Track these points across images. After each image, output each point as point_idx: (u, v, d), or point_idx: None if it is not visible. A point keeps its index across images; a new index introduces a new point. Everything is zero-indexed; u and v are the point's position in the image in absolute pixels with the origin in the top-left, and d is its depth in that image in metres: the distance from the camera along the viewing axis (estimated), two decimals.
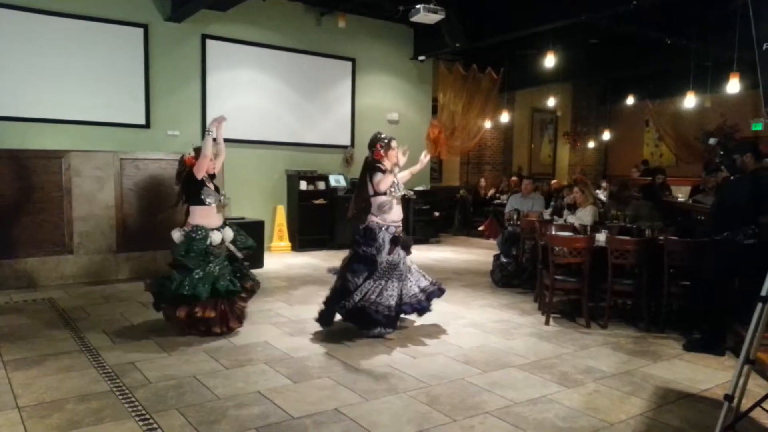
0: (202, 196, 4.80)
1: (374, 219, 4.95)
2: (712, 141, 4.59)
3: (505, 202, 10.36)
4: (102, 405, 3.45)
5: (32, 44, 7.67)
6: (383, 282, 4.86)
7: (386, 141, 4.99)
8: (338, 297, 4.89)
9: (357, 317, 4.88)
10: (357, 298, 4.81)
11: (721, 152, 4.51)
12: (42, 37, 7.72)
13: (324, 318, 5.01)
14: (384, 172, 4.90)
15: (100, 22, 8.08)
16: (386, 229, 4.94)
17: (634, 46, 10.96)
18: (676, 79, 11.90)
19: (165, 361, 4.24)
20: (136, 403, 3.48)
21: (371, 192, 4.94)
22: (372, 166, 4.96)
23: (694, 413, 3.55)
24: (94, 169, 6.98)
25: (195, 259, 4.68)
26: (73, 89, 7.98)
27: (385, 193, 4.91)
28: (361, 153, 10.38)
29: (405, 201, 5.15)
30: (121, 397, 3.58)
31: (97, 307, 5.82)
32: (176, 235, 4.84)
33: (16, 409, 3.38)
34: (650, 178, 10.25)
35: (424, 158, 4.86)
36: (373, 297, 4.80)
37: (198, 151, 4.87)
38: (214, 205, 4.85)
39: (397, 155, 5.03)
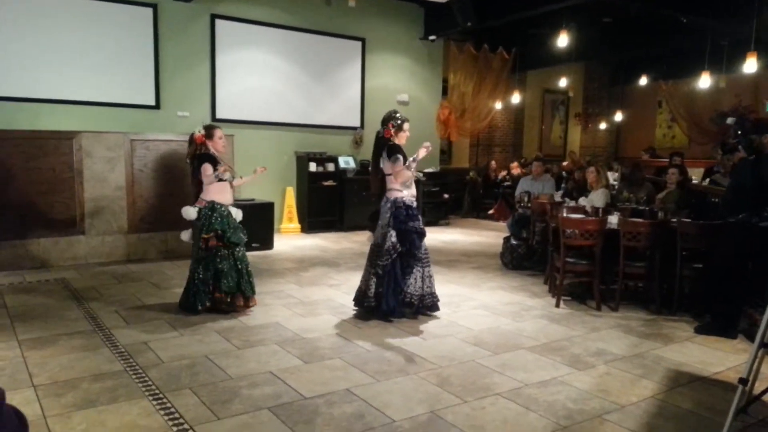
0: (218, 173, 4.87)
1: (402, 194, 4.87)
2: (729, 120, 4.48)
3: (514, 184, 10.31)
4: (116, 384, 3.49)
5: (42, 25, 7.64)
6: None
7: (399, 122, 4.94)
8: (396, 285, 4.85)
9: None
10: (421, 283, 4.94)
11: (738, 132, 4.40)
12: (52, 18, 7.69)
13: (385, 313, 4.86)
14: (405, 159, 4.85)
15: (109, 2, 8.03)
16: (414, 205, 4.94)
17: (648, 26, 10.76)
18: (690, 58, 11.67)
19: (177, 341, 4.28)
20: (150, 383, 3.52)
21: (388, 170, 4.88)
22: (391, 147, 4.87)
23: (706, 396, 3.54)
24: (105, 150, 6.99)
25: (238, 233, 4.92)
26: (83, 70, 7.97)
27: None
28: (371, 135, 10.31)
29: (415, 182, 5.10)
30: (134, 376, 3.62)
31: (109, 287, 5.87)
32: (191, 211, 4.87)
33: (32, 387, 3.42)
34: (668, 160, 10.09)
35: (424, 150, 4.83)
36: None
37: (207, 129, 5.00)
38: (228, 181, 4.94)
39: (407, 138, 4.99)
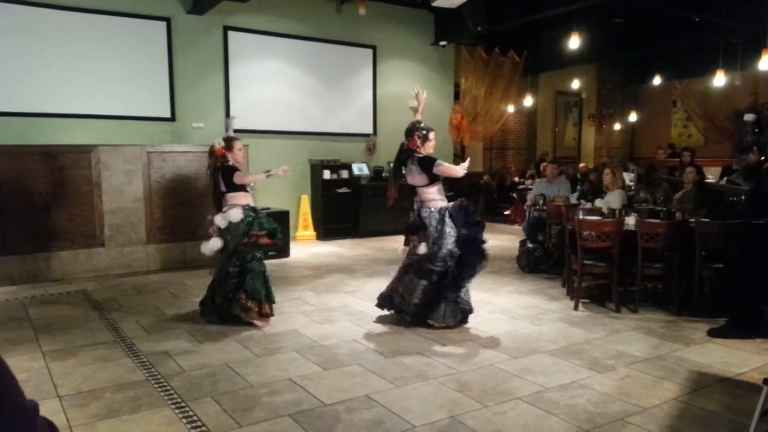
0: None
1: (445, 203, 4.83)
2: (748, 117, 4.42)
3: (529, 187, 10.27)
4: (138, 393, 3.53)
5: (58, 40, 7.78)
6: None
7: (425, 132, 4.90)
8: (446, 291, 4.79)
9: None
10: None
11: (756, 130, 4.34)
12: (68, 34, 7.84)
13: (433, 319, 4.80)
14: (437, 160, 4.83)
15: (124, 17, 8.17)
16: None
17: (660, 25, 10.70)
18: (704, 57, 11.59)
19: (198, 350, 4.32)
20: (172, 392, 3.56)
21: (420, 182, 4.82)
22: (424, 159, 4.82)
23: (730, 397, 3.50)
24: (122, 162, 7.09)
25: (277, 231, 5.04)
26: (99, 85, 8.09)
27: (437, 179, 4.84)
28: (384, 141, 10.42)
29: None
30: (156, 385, 3.66)
31: (129, 298, 5.94)
32: (233, 214, 4.84)
33: (57, 398, 3.48)
34: (678, 160, 10.02)
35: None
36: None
37: (227, 140, 5.09)
38: (250, 190, 5.08)
39: (433, 147, 4.96)
